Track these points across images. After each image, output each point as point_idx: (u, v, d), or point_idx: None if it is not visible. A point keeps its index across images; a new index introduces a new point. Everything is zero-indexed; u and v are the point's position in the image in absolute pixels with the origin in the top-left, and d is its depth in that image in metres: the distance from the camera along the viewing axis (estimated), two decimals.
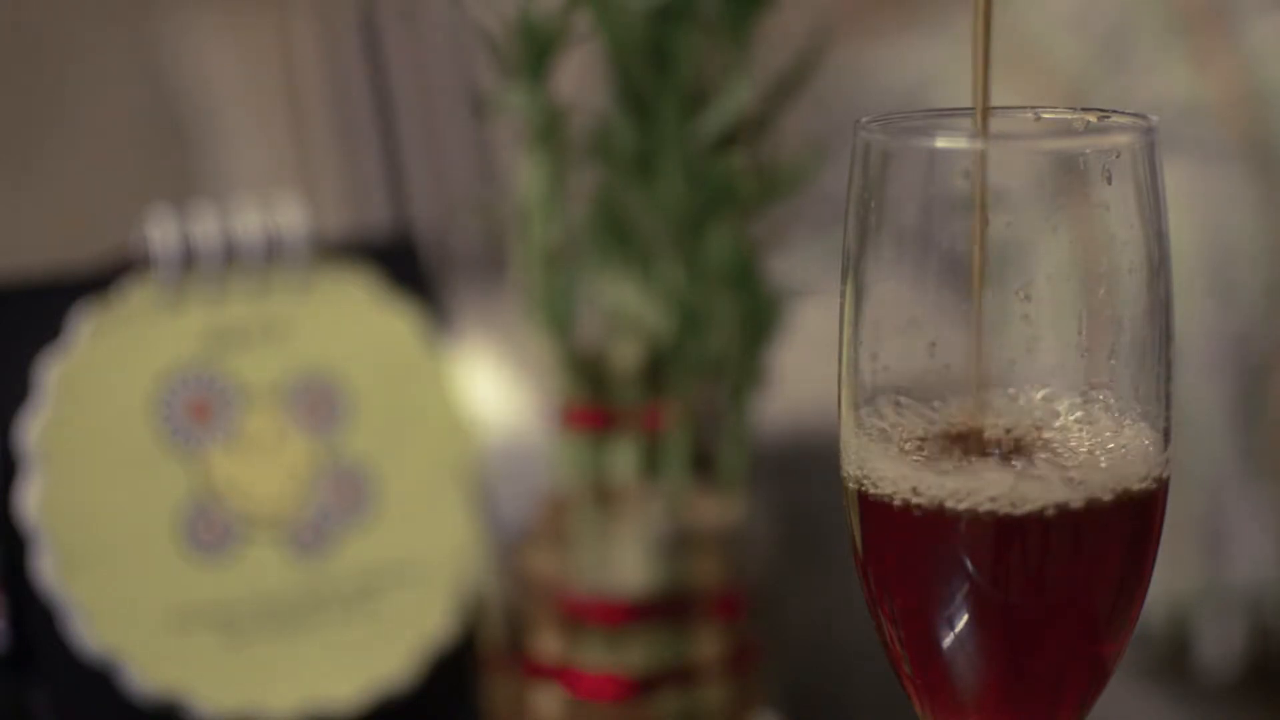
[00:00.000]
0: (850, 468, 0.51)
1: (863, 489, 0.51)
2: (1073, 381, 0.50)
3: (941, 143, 0.50)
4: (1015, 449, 0.50)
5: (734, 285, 0.76)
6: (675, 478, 0.77)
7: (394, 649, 0.80)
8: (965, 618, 0.50)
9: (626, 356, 0.77)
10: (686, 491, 0.77)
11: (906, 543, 0.50)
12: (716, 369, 0.77)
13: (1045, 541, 0.49)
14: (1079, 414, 0.50)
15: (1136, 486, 0.50)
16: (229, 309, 0.79)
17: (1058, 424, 0.50)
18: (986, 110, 0.51)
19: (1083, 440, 0.50)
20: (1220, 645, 1.14)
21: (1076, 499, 0.49)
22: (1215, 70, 1.22)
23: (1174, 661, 1.15)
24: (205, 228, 0.78)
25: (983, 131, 0.51)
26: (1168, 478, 0.51)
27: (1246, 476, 1.14)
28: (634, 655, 0.77)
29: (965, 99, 0.52)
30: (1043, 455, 0.49)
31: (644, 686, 0.77)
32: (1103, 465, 0.50)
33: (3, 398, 0.75)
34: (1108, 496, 0.49)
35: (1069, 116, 0.53)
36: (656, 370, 0.77)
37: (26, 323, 0.76)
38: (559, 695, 0.78)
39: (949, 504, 0.49)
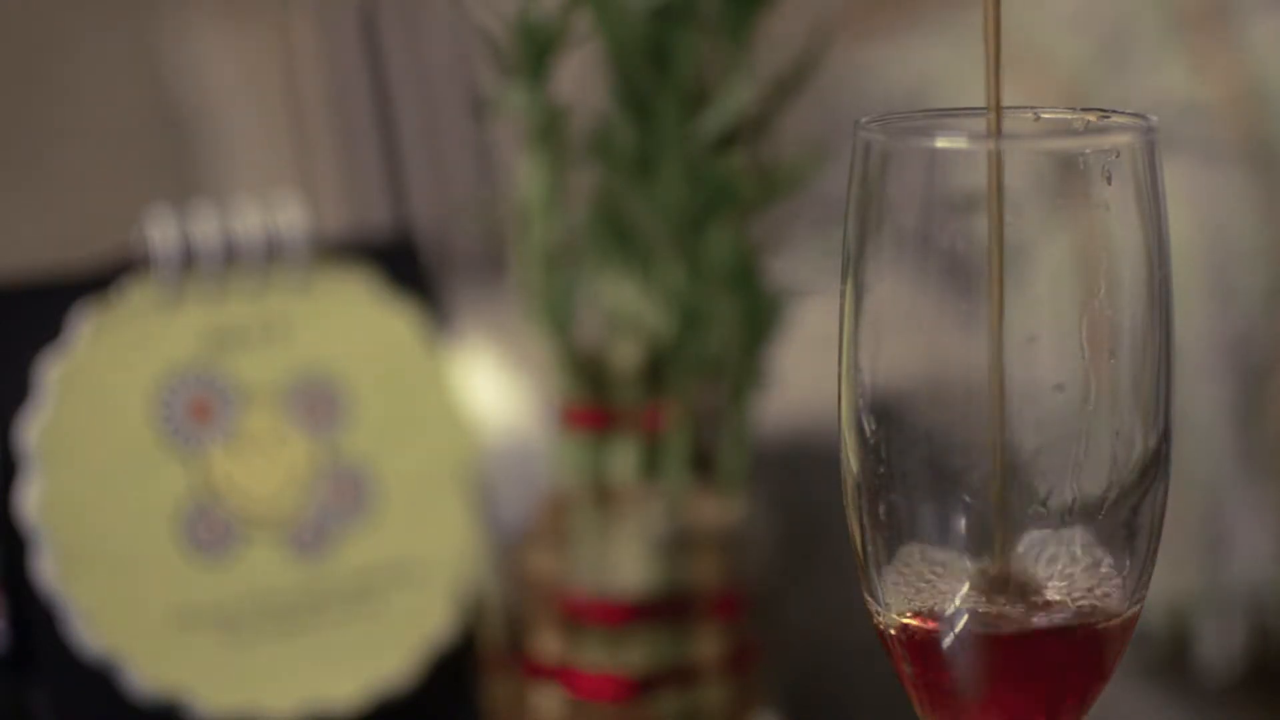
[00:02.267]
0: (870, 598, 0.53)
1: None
2: (1071, 392, 0.50)
3: (941, 143, 0.50)
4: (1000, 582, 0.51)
5: (734, 285, 0.76)
6: (675, 478, 0.77)
7: (394, 649, 0.80)
8: (962, 667, 0.51)
9: (626, 356, 0.77)
10: (686, 491, 0.77)
11: (907, 648, 0.52)
12: (716, 369, 0.77)
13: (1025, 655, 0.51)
14: (1065, 548, 0.51)
15: (1108, 622, 0.51)
16: (229, 309, 0.79)
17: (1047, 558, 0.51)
18: (1000, 109, 0.51)
19: (1059, 579, 0.51)
20: (1220, 645, 1.14)
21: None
22: (1215, 70, 1.22)
23: (1174, 661, 1.15)
24: (205, 228, 0.78)
25: (995, 131, 0.51)
26: (1139, 610, 0.52)
27: (1246, 476, 1.14)
28: (634, 655, 0.77)
29: (965, 99, 0.52)
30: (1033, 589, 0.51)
31: (644, 686, 0.77)
32: (1075, 605, 0.51)
33: (3, 398, 0.75)
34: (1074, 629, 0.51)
35: (1069, 116, 0.53)
36: (656, 370, 0.77)
37: (26, 323, 0.76)
38: (559, 695, 0.78)
39: (941, 629, 0.51)
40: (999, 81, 0.51)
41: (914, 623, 0.52)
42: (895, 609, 0.52)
